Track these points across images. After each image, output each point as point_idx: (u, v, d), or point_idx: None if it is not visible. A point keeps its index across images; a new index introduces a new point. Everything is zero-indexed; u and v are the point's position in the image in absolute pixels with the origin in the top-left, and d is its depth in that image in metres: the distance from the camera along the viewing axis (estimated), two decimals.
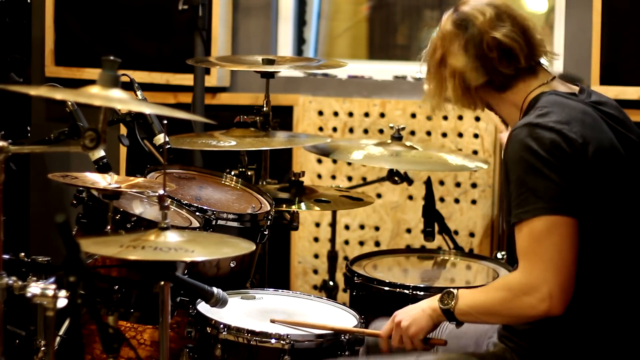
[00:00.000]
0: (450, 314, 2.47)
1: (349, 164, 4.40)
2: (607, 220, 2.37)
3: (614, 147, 2.41)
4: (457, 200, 4.36)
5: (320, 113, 4.45)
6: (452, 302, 2.45)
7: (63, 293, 2.19)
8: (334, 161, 4.38)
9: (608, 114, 2.48)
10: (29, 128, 4.40)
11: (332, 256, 4.12)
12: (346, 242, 4.47)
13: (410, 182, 3.89)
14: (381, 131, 4.35)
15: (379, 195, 4.41)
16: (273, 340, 2.67)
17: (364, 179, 4.39)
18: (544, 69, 2.56)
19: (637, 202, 2.43)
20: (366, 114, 4.42)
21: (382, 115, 4.39)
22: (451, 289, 2.49)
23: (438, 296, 2.51)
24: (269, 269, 3.70)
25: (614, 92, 3.99)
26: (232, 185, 3.43)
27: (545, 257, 2.29)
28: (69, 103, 3.02)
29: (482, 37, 2.48)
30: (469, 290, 2.49)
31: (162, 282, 2.46)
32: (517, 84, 2.52)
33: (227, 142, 3.42)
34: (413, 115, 4.38)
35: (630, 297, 2.42)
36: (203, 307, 2.79)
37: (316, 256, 4.49)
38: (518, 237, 2.34)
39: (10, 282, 2.37)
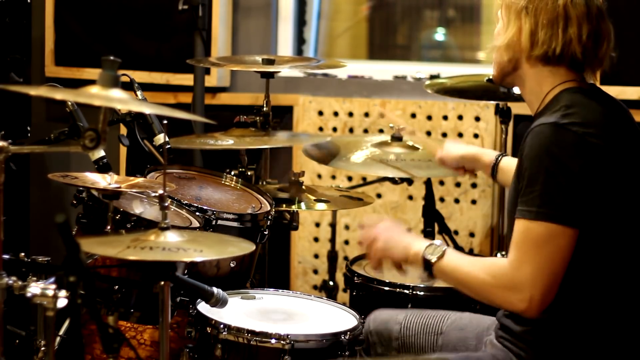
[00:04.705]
0: (428, 265, 2.44)
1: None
2: (612, 230, 2.35)
3: (635, 147, 2.42)
4: (457, 200, 4.36)
5: (320, 113, 4.45)
6: (436, 257, 2.43)
7: (63, 293, 2.19)
8: None
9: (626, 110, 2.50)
10: (29, 128, 4.39)
11: (332, 256, 4.12)
12: (346, 242, 4.46)
13: (410, 182, 3.88)
14: (381, 131, 4.34)
15: (379, 195, 4.41)
16: (273, 341, 2.66)
17: (364, 179, 4.39)
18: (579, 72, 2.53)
19: None
20: (366, 114, 4.42)
21: (382, 115, 4.39)
22: (441, 244, 2.46)
23: (425, 242, 2.48)
24: (269, 269, 3.70)
25: (614, 92, 3.92)
26: (232, 185, 3.43)
27: (537, 262, 2.28)
28: (69, 103, 3.02)
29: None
30: (457, 254, 2.46)
31: (162, 282, 2.46)
32: (561, 66, 2.48)
33: (226, 142, 3.42)
34: (413, 115, 4.37)
35: (626, 302, 2.41)
36: (203, 307, 2.79)
37: (316, 256, 4.49)
38: (516, 230, 2.34)
39: (10, 282, 2.37)
